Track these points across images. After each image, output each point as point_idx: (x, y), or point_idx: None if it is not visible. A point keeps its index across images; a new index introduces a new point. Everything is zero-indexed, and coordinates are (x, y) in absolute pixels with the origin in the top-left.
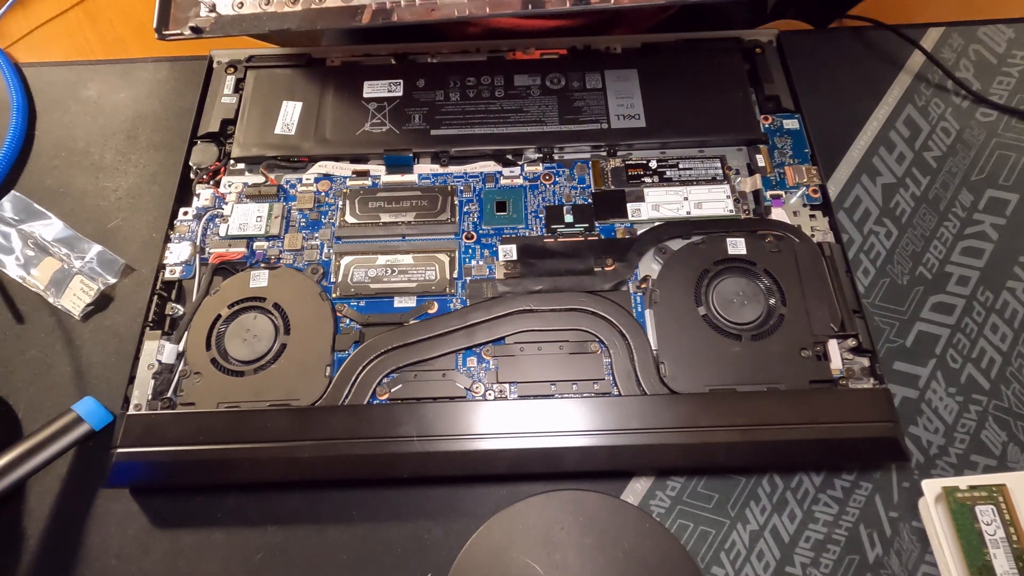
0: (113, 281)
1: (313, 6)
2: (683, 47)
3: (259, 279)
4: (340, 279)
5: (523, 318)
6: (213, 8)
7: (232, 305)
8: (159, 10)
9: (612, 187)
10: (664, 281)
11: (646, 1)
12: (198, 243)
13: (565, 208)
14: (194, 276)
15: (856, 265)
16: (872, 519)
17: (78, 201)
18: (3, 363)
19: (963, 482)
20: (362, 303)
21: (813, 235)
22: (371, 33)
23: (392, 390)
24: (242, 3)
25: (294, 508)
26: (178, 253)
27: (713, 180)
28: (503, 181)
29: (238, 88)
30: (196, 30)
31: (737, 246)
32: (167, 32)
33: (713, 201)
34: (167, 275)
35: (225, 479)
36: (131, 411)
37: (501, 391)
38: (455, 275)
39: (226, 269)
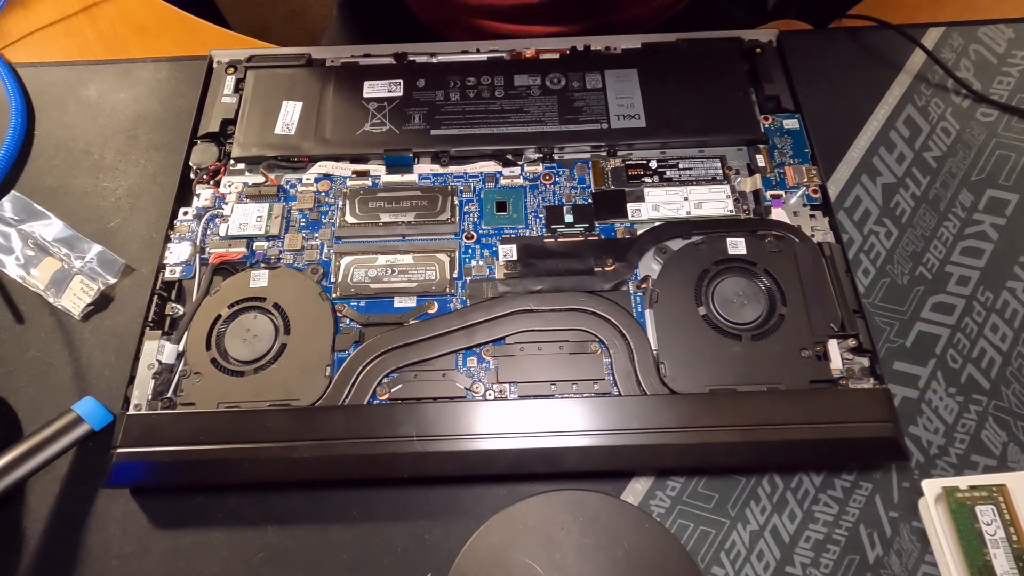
0: (113, 281)
1: None
2: (683, 47)
3: (259, 279)
4: (340, 279)
5: (523, 318)
6: None
7: (232, 305)
8: None
9: (612, 187)
10: (664, 281)
11: None
12: (198, 243)
13: (565, 208)
14: (194, 276)
15: (856, 265)
16: (872, 519)
17: (78, 201)
18: (3, 363)
19: (963, 482)
20: (362, 303)
21: (813, 235)
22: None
23: (392, 390)
24: None
25: (294, 508)
26: (178, 253)
27: (713, 180)
28: (503, 181)
29: (238, 88)
30: None
31: (737, 246)
32: None
33: (713, 201)
34: (167, 275)
35: (225, 479)
36: (131, 411)
37: (501, 391)
38: (455, 275)
39: (226, 269)
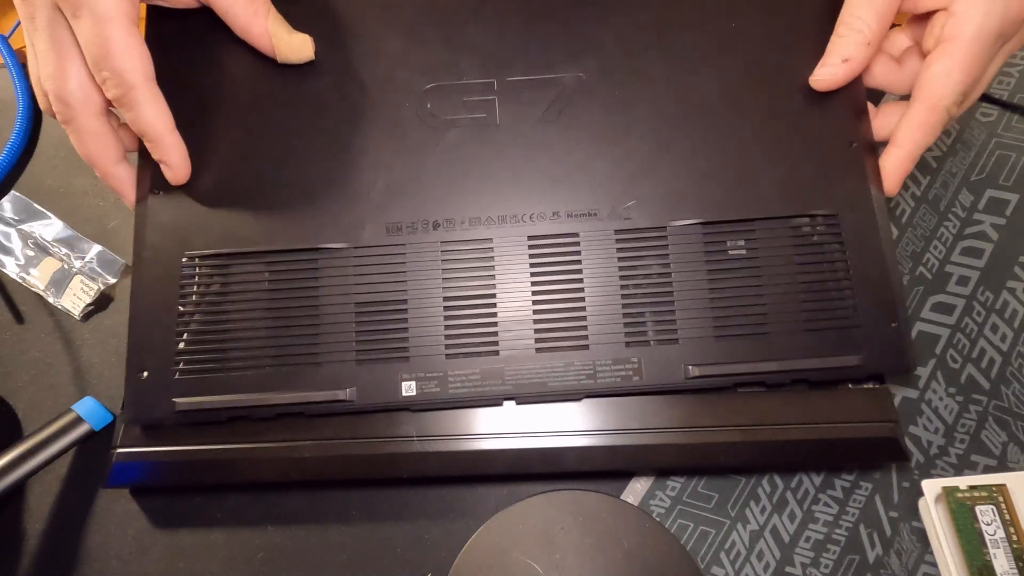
0: (113, 281)
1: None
2: None
3: None
4: None
5: None
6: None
7: None
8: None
9: None
10: None
11: None
12: None
13: None
14: None
15: None
16: (872, 519)
17: (78, 201)
18: (3, 363)
19: (963, 482)
20: None
21: None
22: None
23: None
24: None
25: (294, 508)
26: None
27: None
28: None
29: None
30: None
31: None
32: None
33: None
34: None
35: (225, 479)
36: None
37: None
38: None
39: None
